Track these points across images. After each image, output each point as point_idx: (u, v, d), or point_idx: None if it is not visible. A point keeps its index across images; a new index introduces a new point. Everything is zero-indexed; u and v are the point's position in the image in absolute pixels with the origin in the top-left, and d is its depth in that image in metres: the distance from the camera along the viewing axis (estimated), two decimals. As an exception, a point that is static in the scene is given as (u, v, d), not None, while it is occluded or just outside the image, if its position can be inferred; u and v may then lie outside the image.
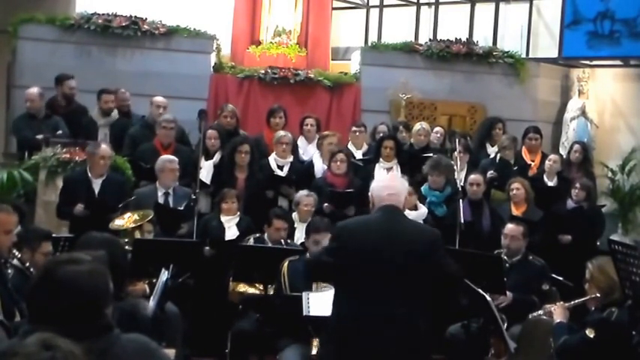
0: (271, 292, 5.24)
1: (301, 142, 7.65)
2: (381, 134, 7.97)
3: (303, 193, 6.40)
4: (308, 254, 5.13)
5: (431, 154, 7.28)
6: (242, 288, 5.58)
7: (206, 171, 6.75)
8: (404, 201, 3.85)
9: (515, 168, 7.53)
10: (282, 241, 5.84)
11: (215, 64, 9.36)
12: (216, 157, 7.04)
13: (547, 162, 7.55)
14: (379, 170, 7.07)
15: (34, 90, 7.47)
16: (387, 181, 3.91)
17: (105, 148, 6.29)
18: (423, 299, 3.64)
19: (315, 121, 7.74)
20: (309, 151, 7.55)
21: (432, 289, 3.70)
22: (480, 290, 4.78)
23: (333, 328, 3.74)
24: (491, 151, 8.06)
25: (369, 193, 3.88)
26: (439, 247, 3.78)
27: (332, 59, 10.07)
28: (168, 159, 6.46)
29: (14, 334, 2.68)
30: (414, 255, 3.62)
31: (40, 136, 6.96)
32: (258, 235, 5.98)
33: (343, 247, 3.68)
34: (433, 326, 3.75)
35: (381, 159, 7.17)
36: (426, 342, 3.70)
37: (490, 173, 7.24)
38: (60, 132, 7.21)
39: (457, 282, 4.01)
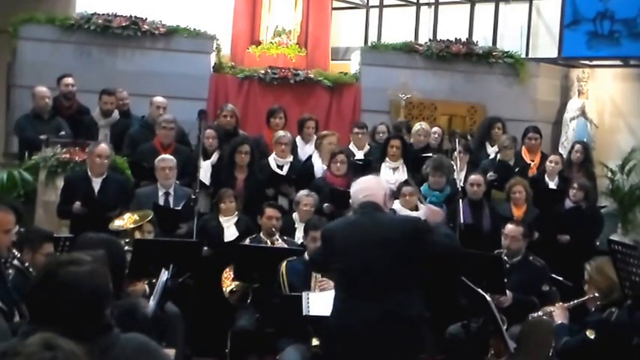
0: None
1: (298, 142, 7.65)
2: (381, 134, 7.99)
3: (303, 192, 6.41)
4: (306, 253, 5.14)
5: (430, 154, 7.29)
6: (229, 286, 5.60)
7: (204, 171, 6.74)
8: (383, 198, 3.91)
9: (517, 169, 7.52)
10: (278, 235, 5.85)
11: (215, 64, 9.37)
12: (214, 156, 7.04)
13: (548, 163, 7.55)
14: (385, 170, 7.10)
15: (44, 88, 7.50)
16: (362, 184, 3.97)
17: (102, 146, 6.29)
18: (414, 288, 3.72)
19: (315, 123, 7.76)
20: (306, 151, 7.57)
21: (431, 271, 3.81)
22: (480, 290, 4.78)
23: (330, 324, 3.83)
24: (491, 151, 8.06)
25: (350, 201, 4.01)
26: (423, 232, 3.81)
27: (332, 59, 10.06)
28: (161, 158, 6.45)
29: (14, 334, 2.68)
30: (398, 247, 3.70)
31: (43, 137, 6.97)
32: (254, 235, 5.99)
33: (330, 249, 3.82)
34: (427, 314, 3.83)
35: (387, 158, 7.19)
36: (420, 331, 3.75)
37: (490, 175, 7.23)
38: (63, 133, 7.23)
39: (453, 254, 4.04)
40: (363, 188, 3.90)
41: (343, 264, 3.72)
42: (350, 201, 4.00)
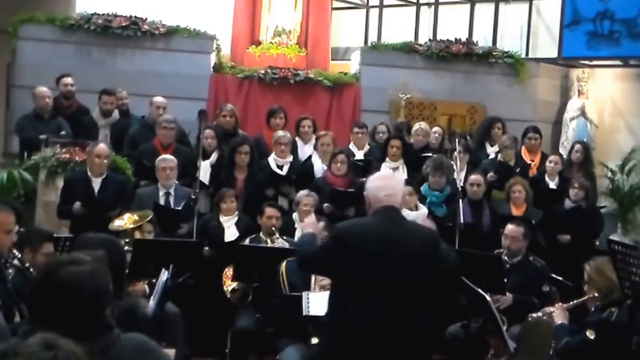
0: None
1: (298, 142, 7.65)
2: (381, 134, 7.99)
3: (303, 193, 6.41)
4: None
5: (430, 154, 7.29)
6: (231, 285, 5.62)
7: (203, 171, 6.74)
8: (401, 200, 3.76)
9: (518, 170, 7.51)
10: (277, 235, 5.86)
11: (215, 64, 9.37)
12: (213, 156, 7.04)
13: (548, 163, 7.56)
14: (385, 170, 7.08)
15: (45, 88, 7.52)
16: (383, 181, 3.75)
17: (101, 146, 6.29)
18: (422, 300, 3.61)
19: (311, 122, 7.75)
20: (305, 151, 7.57)
21: (432, 286, 3.69)
22: (480, 290, 4.79)
23: (329, 328, 3.70)
24: (491, 151, 8.07)
25: (365, 193, 3.78)
26: (438, 246, 3.74)
27: (332, 59, 10.07)
28: (162, 158, 6.46)
29: (14, 334, 2.68)
30: (414, 258, 3.58)
31: (43, 136, 6.97)
32: (254, 235, 6.00)
33: (341, 249, 3.58)
34: (433, 326, 3.73)
35: (387, 158, 7.19)
36: (426, 342, 3.68)
37: (490, 176, 7.23)
38: (63, 132, 7.23)
39: (455, 273, 3.96)
40: (385, 186, 3.68)
41: (362, 270, 3.53)
42: (365, 193, 3.78)
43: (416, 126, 7.96)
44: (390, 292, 3.52)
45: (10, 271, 3.87)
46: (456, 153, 6.86)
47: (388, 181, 3.77)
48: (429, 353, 3.83)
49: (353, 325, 3.53)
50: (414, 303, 3.57)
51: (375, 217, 3.67)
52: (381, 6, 10.71)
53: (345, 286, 3.61)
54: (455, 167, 6.73)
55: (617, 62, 9.86)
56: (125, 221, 5.47)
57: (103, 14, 8.98)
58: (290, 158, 7.18)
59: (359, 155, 7.52)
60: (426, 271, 3.60)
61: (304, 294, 4.67)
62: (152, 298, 4.52)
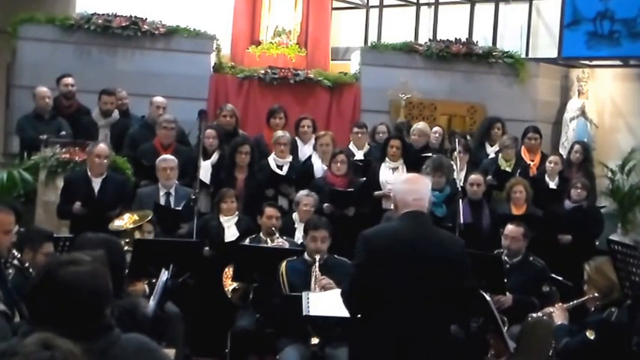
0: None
1: (298, 142, 7.65)
2: (381, 134, 8.00)
3: (303, 193, 6.42)
4: (306, 254, 5.13)
5: (429, 154, 7.29)
6: (231, 285, 5.63)
7: (204, 171, 6.74)
8: (428, 205, 3.71)
9: (519, 171, 7.50)
10: (277, 235, 5.86)
11: (215, 64, 9.37)
12: (214, 156, 7.04)
13: (548, 163, 7.56)
14: (385, 170, 7.10)
15: (45, 88, 7.52)
16: (412, 185, 3.69)
17: (101, 146, 6.30)
18: (448, 307, 3.58)
19: (311, 122, 7.75)
20: (304, 151, 7.58)
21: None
22: (480, 290, 4.78)
23: (362, 338, 3.64)
24: (491, 151, 8.08)
25: (391, 194, 3.74)
26: (465, 257, 3.67)
27: (332, 59, 10.06)
28: (162, 158, 6.47)
29: (14, 334, 2.68)
30: (443, 266, 3.53)
31: (43, 136, 6.98)
32: (254, 235, 6.00)
33: (372, 257, 3.51)
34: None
35: (387, 158, 7.19)
36: (453, 347, 3.66)
37: (489, 180, 7.23)
38: (63, 133, 7.24)
39: (470, 296, 3.95)
40: (414, 190, 3.63)
41: (390, 273, 3.48)
42: (392, 195, 3.75)
43: (413, 126, 7.97)
44: (417, 296, 3.48)
45: (10, 271, 3.87)
46: (455, 153, 6.85)
47: (417, 185, 3.72)
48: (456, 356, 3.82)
49: (381, 329, 3.49)
50: (439, 306, 3.53)
51: (402, 220, 3.63)
52: (381, 6, 10.70)
53: (374, 294, 3.53)
54: (455, 167, 6.73)
55: (617, 62, 9.85)
56: (125, 221, 5.47)
57: (103, 14, 8.98)
58: (290, 158, 7.19)
59: (359, 155, 7.52)
60: (450, 279, 3.55)
61: (304, 294, 4.66)
62: (152, 298, 4.52)
